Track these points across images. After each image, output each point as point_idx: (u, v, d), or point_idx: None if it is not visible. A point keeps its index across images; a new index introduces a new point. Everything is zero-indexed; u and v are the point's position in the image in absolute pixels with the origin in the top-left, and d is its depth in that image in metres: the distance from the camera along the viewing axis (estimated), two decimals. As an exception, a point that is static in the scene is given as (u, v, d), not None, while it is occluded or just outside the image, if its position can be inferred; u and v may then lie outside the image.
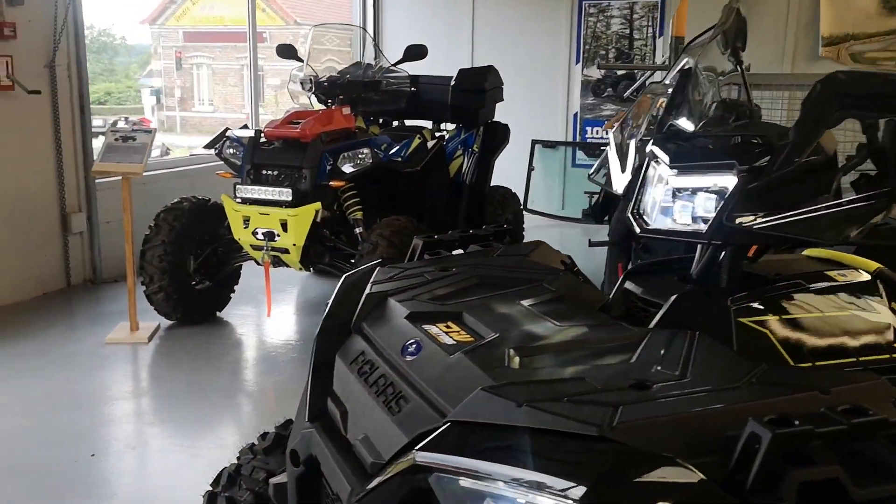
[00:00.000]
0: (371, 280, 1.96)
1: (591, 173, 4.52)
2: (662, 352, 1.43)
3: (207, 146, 6.03)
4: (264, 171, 5.48)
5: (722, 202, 1.61)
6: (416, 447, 1.33)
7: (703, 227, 1.65)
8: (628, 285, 1.81)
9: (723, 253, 1.71)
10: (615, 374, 1.37)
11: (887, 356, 1.65)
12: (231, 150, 5.76)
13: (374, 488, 1.38)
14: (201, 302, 5.91)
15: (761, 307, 1.63)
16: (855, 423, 1.10)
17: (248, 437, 4.15)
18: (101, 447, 4.04)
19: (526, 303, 1.78)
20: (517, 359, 1.46)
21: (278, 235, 5.35)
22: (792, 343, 1.59)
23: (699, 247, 1.77)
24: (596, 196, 5.25)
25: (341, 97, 5.90)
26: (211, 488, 2.36)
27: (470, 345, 1.56)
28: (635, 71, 9.75)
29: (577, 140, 10.02)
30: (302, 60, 6.22)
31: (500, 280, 1.95)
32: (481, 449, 1.27)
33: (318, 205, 5.31)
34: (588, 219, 9.64)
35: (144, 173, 5.56)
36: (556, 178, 10.08)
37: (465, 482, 1.28)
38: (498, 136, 6.80)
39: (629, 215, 1.82)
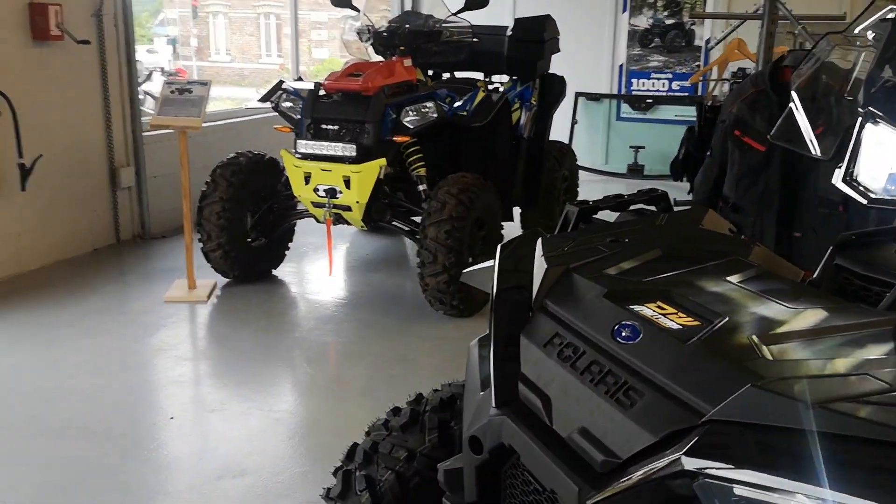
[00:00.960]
0: (541, 252, 1.82)
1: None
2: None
3: (263, 99, 5.84)
4: (325, 126, 5.30)
5: None
6: (678, 450, 1.20)
7: None
8: (839, 260, 1.66)
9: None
10: None
11: None
12: (288, 104, 5.58)
13: (624, 491, 1.25)
14: (258, 260, 5.80)
15: None
16: None
17: (320, 402, 4.06)
18: (179, 410, 3.95)
19: (734, 279, 1.63)
20: (766, 348, 1.32)
21: (340, 192, 5.20)
22: None
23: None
24: (677, 153, 5.07)
25: (402, 48, 5.69)
26: (343, 465, 2.25)
27: (700, 330, 1.42)
28: (683, 20, 9.45)
29: (623, 93, 9.77)
30: (358, 10, 6.00)
31: (685, 252, 1.80)
32: (759, 455, 1.13)
33: (382, 161, 5.14)
34: (633, 174, 9.48)
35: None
36: (600, 132, 9.86)
37: (740, 490, 1.15)
38: (555, 89, 6.59)
39: (843, 182, 1.66)
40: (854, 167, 1.64)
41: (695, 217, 2.01)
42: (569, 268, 1.74)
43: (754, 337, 1.36)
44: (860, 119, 1.68)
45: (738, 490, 1.15)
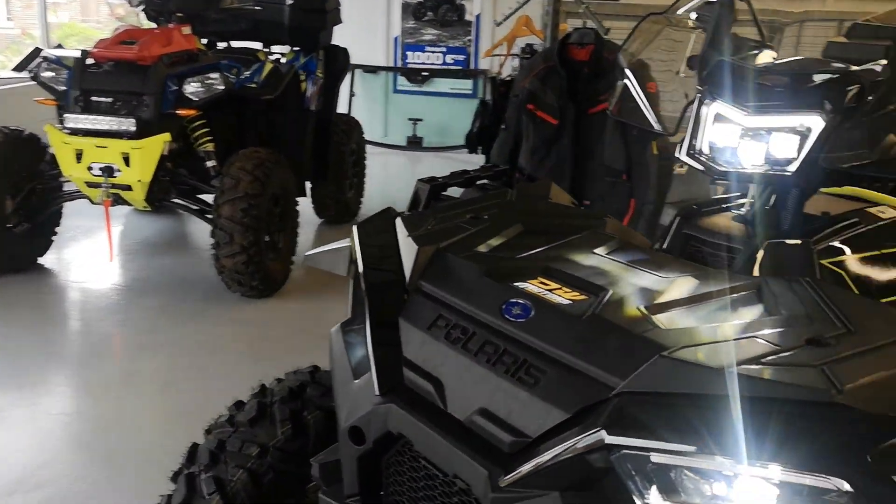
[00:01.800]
0: (406, 232, 1.77)
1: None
2: (796, 302, 1.39)
3: (18, 68, 5.23)
4: (96, 98, 4.86)
5: (810, 142, 1.58)
6: (594, 424, 1.21)
7: (783, 167, 1.62)
8: (687, 229, 1.76)
9: (789, 194, 1.71)
10: (783, 330, 1.32)
11: None
12: (50, 73, 5.05)
13: (540, 469, 1.25)
14: (21, 247, 5.23)
15: (838, 248, 1.65)
16: None
17: (116, 399, 3.76)
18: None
19: (601, 252, 1.68)
20: (655, 318, 1.37)
21: (119, 171, 4.80)
22: (862, 281, 1.62)
23: (755, 188, 1.74)
24: (471, 126, 5.17)
25: (178, 14, 5.32)
26: (184, 468, 2.08)
27: (589, 304, 1.44)
28: (454, -5, 9.64)
29: (399, 66, 9.83)
30: (125, -30, 5.53)
31: (545, 226, 1.82)
32: (675, 422, 1.17)
33: (167, 136, 4.81)
34: (413, 146, 9.60)
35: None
36: (379, 105, 9.88)
37: (656, 458, 1.19)
38: (339, 61, 6.48)
39: (686, 156, 1.75)
40: (696, 141, 1.75)
41: (542, 191, 2.05)
42: (440, 247, 1.70)
43: (642, 308, 1.40)
44: (698, 96, 1.78)
45: (655, 458, 1.19)
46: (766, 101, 1.64)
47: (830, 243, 1.65)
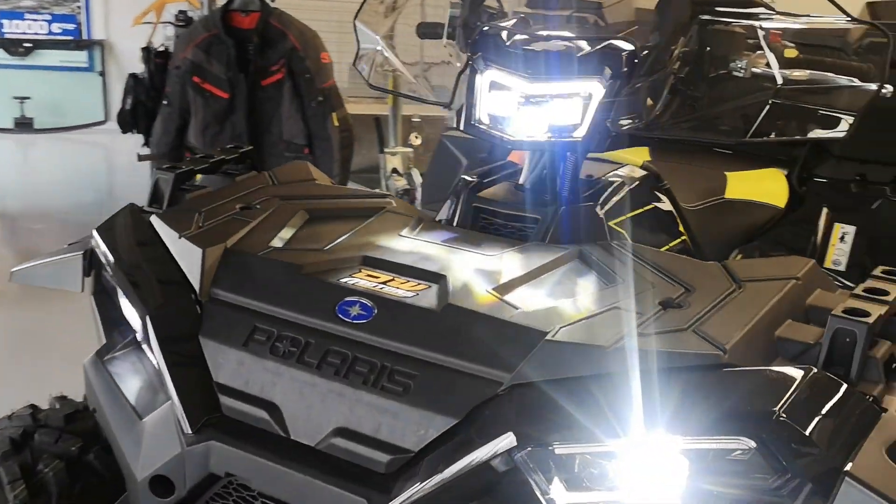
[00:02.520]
0: (177, 233, 1.48)
1: None
2: (623, 268, 1.40)
3: None
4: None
5: (592, 108, 1.60)
6: (495, 425, 1.11)
7: (570, 133, 1.62)
8: (476, 202, 1.70)
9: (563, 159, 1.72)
10: (637, 297, 1.31)
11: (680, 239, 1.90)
12: None
13: (448, 483, 1.10)
14: None
15: (619, 210, 1.71)
16: None
17: None
18: None
19: (408, 233, 1.55)
20: (508, 299, 1.29)
21: None
22: (639, 238, 1.71)
23: (531, 155, 1.73)
24: (122, 103, 4.59)
25: None
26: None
27: (434, 293, 1.31)
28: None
29: (-8, 36, 8.49)
30: None
31: (329, 211, 1.65)
32: (579, 409, 1.11)
33: None
34: (23, 128, 8.44)
35: None
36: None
37: (560, 450, 1.13)
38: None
39: (466, 127, 1.69)
40: (475, 111, 1.69)
41: (302, 172, 1.86)
42: (227, 247, 1.45)
43: (491, 291, 1.33)
44: (470, 65, 1.72)
45: (559, 450, 1.13)
46: (545, 67, 1.63)
47: (607, 206, 1.70)
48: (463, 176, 1.80)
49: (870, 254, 2.34)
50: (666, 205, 1.92)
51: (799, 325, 1.24)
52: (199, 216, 1.58)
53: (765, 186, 2.33)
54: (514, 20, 1.84)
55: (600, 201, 1.70)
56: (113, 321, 1.56)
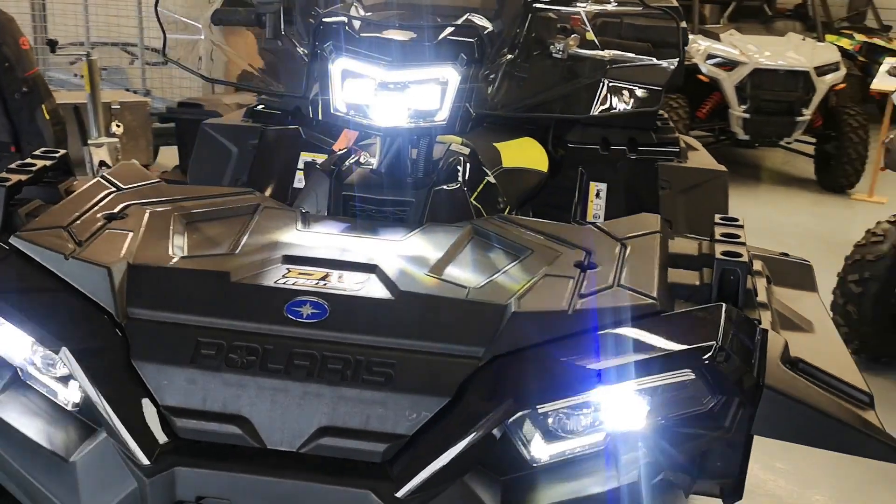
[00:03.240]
0: (49, 252, 1.32)
1: None
2: (518, 238, 1.52)
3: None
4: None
5: (451, 93, 1.68)
6: (493, 397, 1.19)
7: (431, 118, 1.69)
8: (345, 191, 1.72)
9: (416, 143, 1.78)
10: (555, 263, 1.43)
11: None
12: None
13: (457, 457, 1.15)
14: None
15: (471, 187, 1.83)
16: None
17: None
18: None
19: (302, 228, 1.51)
20: (448, 278, 1.36)
21: None
22: (488, 210, 1.85)
23: (382, 140, 1.78)
24: None
25: None
26: None
27: (377, 282, 1.33)
28: None
29: None
30: None
31: (203, 213, 1.55)
32: (544, 372, 1.24)
33: None
34: None
35: None
36: None
37: (543, 409, 1.26)
38: None
39: (331, 114, 1.70)
40: (333, 100, 1.69)
41: (137, 173, 1.73)
42: (130, 262, 1.34)
43: (428, 274, 1.39)
44: (319, 53, 1.72)
45: (541, 409, 1.25)
46: (402, 54, 1.67)
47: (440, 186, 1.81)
48: (316, 166, 1.81)
49: (621, 206, 2.73)
50: (492, 178, 2.09)
51: (679, 271, 1.47)
52: (66, 233, 1.42)
53: (529, 154, 2.60)
54: (352, 4, 1.86)
55: (461, 181, 1.81)
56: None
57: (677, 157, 2.55)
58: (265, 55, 2.01)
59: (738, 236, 1.50)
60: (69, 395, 1.32)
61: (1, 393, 1.33)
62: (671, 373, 1.27)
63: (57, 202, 1.62)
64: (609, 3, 2.00)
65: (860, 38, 8.44)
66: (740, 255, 1.41)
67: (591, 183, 2.73)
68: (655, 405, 1.28)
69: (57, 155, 1.74)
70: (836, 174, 6.52)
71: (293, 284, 1.33)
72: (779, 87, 6.27)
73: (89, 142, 4.30)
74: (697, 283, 1.43)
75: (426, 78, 1.70)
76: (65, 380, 1.32)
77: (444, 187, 1.74)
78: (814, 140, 6.72)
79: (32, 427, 1.29)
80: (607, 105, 1.96)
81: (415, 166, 1.78)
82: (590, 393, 1.25)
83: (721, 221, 1.59)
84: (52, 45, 5.28)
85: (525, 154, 2.54)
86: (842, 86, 6.58)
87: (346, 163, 1.82)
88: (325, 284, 1.34)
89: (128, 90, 5.68)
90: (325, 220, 1.61)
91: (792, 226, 5.59)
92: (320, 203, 1.73)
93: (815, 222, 5.87)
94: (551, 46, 1.92)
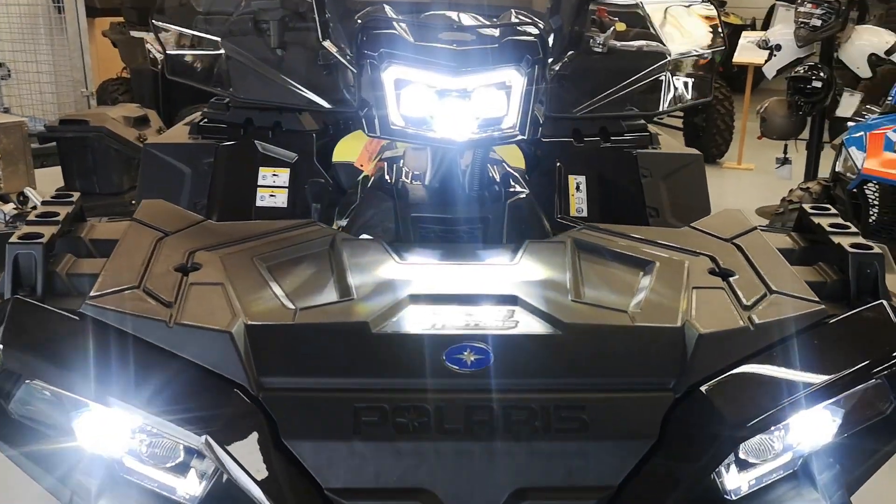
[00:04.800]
0: (134, 322, 1.08)
1: None
2: (627, 249, 1.42)
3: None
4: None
5: (516, 98, 1.53)
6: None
7: (499, 127, 1.54)
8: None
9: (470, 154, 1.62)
10: (691, 273, 1.33)
11: None
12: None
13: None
14: None
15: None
16: None
17: None
18: None
19: (399, 259, 1.32)
20: (592, 301, 1.24)
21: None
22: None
23: (436, 152, 1.61)
24: None
25: None
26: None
27: (527, 316, 1.18)
28: None
29: None
30: None
31: (273, 253, 1.32)
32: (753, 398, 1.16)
33: None
34: None
35: None
36: None
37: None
38: None
39: (384, 133, 1.52)
40: (388, 114, 1.51)
41: (170, 210, 1.48)
42: (247, 324, 1.11)
43: (573, 300, 1.25)
44: (368, 63, 1.52)
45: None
46: (465, 60, 1.50)
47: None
48: (371, 185, 1.62)
49: (601, 197, 2.66)
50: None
51: (799, 268, 1.41)
52: (144, 293, 1.17)
53: (505, 153, 2.50)
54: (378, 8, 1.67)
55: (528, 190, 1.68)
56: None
57: (650, 143, 2.52)
58: (299, 66, 1.77)
59: (850, 227, 1.46)
60: (189, 489, 1.09)
61: (99, 499, 1.08)
62: (858, 385, 1.20)
63: (82, 253, 1.36)
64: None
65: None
66: (871, 248, 1.36)
67: (569, 177, 2.66)
68: (844, 417, 1.21)
69: (73, 199, 1.46)
70: (706, 144, 6.80)
71: (442, 328, 1.15)
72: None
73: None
74: (825, 279, 1.37)
75: (490, 83, 1.55)
76: (181, 470, 1.09)
77: (519, 198, 1.61)
78: (682, 114, 6.99)
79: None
80: (671, 97, 1.88)
81: (478, 179, 1.63)
82: (785, 413, 1.16)
83: (816, 212, 1.54)
84: None
85: (502, 153, 2.43)
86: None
87: (401, 180, 1.65)
88: (475, 325, 1.17)
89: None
90: (414, 249, 1.43)
91: (670, 194, 5.78)
92: (385, 227, 1.54)
93: (692, 190, 6.10)
94: (590, 41, 1.81)
